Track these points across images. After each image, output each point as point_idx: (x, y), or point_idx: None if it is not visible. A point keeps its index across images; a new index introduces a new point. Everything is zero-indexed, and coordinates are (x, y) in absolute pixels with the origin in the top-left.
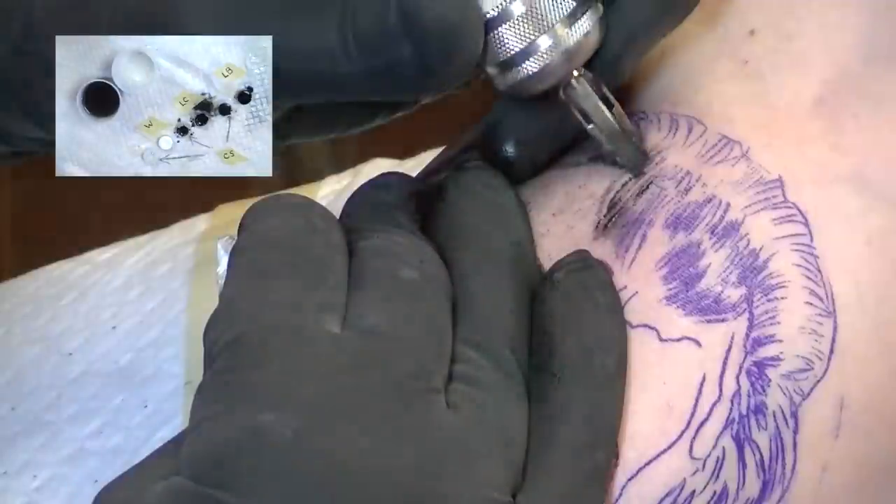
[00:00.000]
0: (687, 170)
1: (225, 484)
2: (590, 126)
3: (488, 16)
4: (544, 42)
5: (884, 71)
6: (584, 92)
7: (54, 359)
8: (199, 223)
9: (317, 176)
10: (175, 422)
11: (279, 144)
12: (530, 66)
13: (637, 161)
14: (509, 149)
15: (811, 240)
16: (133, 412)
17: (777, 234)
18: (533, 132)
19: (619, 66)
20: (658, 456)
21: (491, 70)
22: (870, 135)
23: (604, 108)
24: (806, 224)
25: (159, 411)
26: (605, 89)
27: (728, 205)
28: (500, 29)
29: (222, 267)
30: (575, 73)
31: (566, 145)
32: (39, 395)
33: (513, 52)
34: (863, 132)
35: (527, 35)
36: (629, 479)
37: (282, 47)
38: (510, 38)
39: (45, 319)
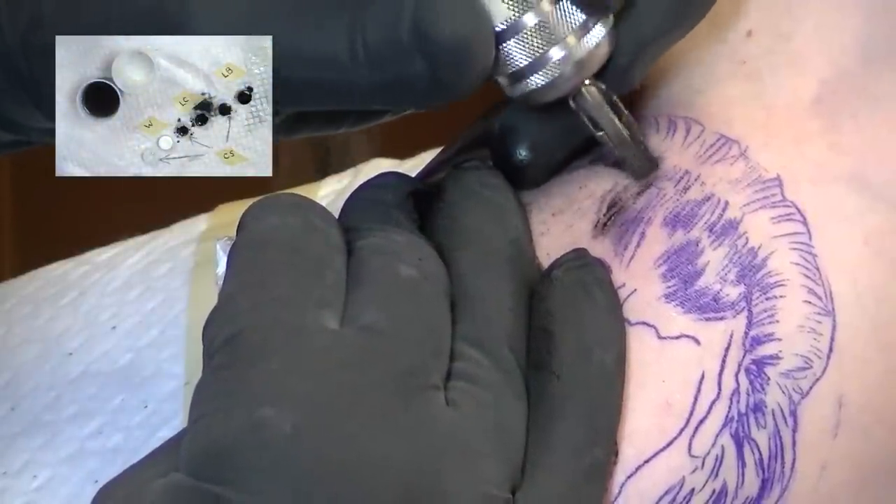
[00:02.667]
0: (685, 169)
1: (224, 479)
2: (599, 133)
3: (499, 28)
4: (555, 54)
5: (882, 70)
6: (594, 101)
7: (54, 359)
8: (199, 223)
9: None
10: (175, 422)
11: (287, 139)
12: (541, 78)
13: (645, 168)
14: (523, 152)
15: (810, 238)
16: (133, 412)
17: (775, 232)
18: (547, 136)
19: (629, 76)
20: (657, 454)
21: (502, 80)
22: (868, 134)
23: (613, 116)
24: (804, 223)
25: (159, 411)
26: (614, 97)
27: (727, 203)
28: (511, 41)
29: (221, 268)
30: (585, 82)
31: (580, 149)
32: (39, 395)
33: (523, 64)
34: (861, 131)
35: (538, 47)
36: (628, 477)
37: (290, 55)
38: (521, 51)
39: (44, 319)
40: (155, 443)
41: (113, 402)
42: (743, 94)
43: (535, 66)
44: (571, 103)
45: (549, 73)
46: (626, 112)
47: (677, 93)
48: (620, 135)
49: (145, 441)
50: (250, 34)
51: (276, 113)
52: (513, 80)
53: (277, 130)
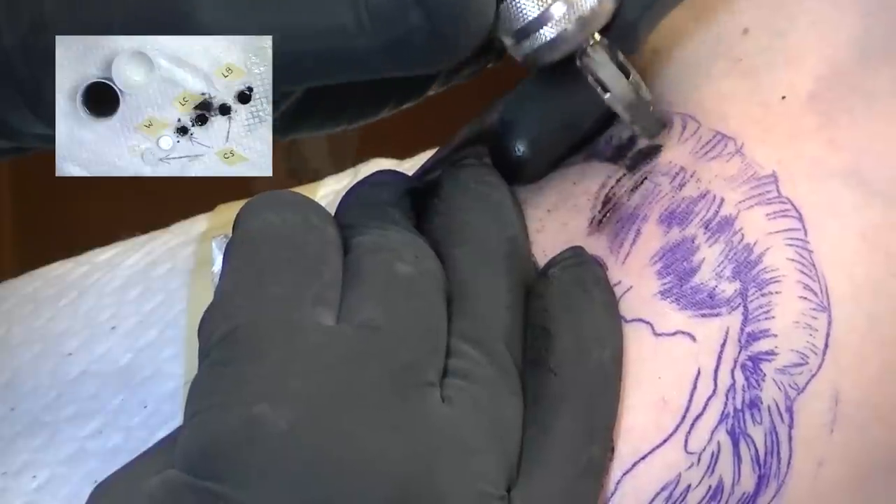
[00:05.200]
0: (681, 166)
1: (220, 475)
2: (606, 95)
3: None
4: (558, 9)
5: (878, 66)
6: (600, 59)
7: (54, 359)
8: (199, 223)
9: (316, 176)
10: (174, 422)
11: (286, 138)
12: (545, 34)
13: (655, 129)
14: (521, 147)
15: (805, 234)
16: (133, 412)
17: (771, 228)
18: (545, 131)
19: (636, 32)
20: (653, 450)
21: (506, 39)
22: (864, 130)
23: (621, 75)
24: (800, 219)
25: (159, 412)
26: (621, 57)
27: (722, 200)
28: None
29: (217, 265)
30: (591, 40)
31: (578, 144)
32: (39, 395)
33: (527, 20)
34: (857, 127)
35: (541, 2)
36: (624, 474)
37: (297, 30)
38: (524, 6)
39: (44, 319)
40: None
41: (113, 403)
42: (739, 91)
43: (539, 21)
44: (577, 63)
45: (554, 28)
46: (633, 71)
47: (673, 89)
48: (628, 95)
49: (145, 441)
50: (255, 13)
51: (276, 106)
52: (517, 39)
53: (275, 130)
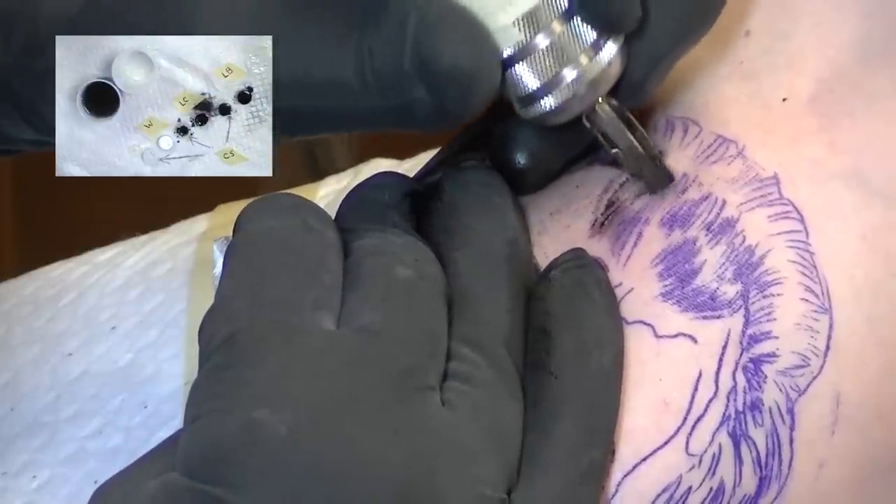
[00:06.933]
0: (683, 170)
1: (219, 479)
2: (614, 150)
3: (509, 52)
4: (568, 74)
5: (878, 69)
6: (607, 118)
7: (54, 359)
8: (199, 223)
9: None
10: (175, 422)
11: (284, 142)
12: (554, 100)
13: (662, 182)
14: (522, 160)
15: (807, 236)
16: (133, 412)
17: (772, 230)
18: (546, 144)
19: (643, 90)
20: (654, 452)
21: (514, 103)
22: (865, 132)
23: (628, 132)
24: (801, 221)
25: (159, 412)
26: (627, 113)
27: (724, 202)
28: (521, 63)
29: (218, 268)
30: (599, 100)
31: (578, 156)
32: (39, 395)
33: (536, 87)
34: (858, 129)
35: (550, 69)
36: (625, 476)
37: (300, 83)
38: (533, 73)
39: (44, 320)
40: (154, 443)
41: (113, 403)
42: (740, 94)
43: (548, 87)
44: (585, 122)
45: (563, 94)
46: (639, 128)
47: (675, 93)
48: (635, 150)
49: (145, 441)
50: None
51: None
52: (525, 103)
53: (279, 129)
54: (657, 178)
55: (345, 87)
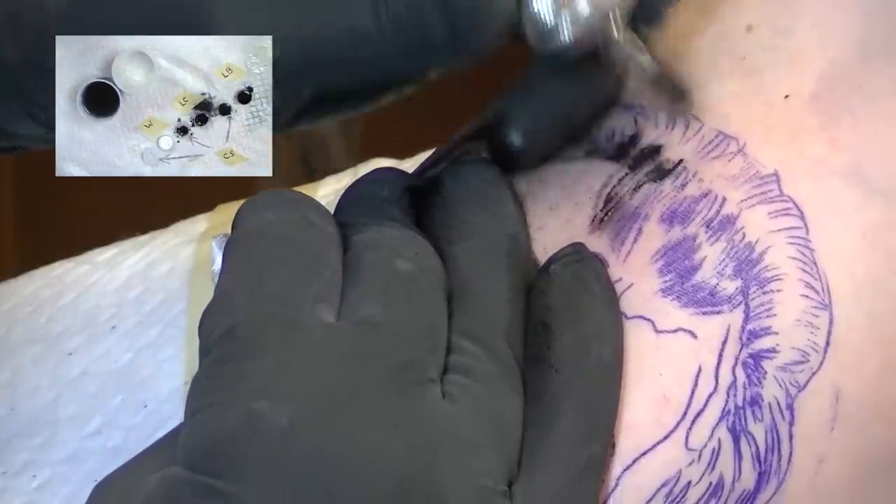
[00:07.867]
0: (683, 165)
1: (219, 472)
2: (630, 77)
3: None
4: (585, 5)
5: (879, 66)
6: (627, 47)
7: (54, 359)
8: (199, 223)
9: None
10: (174, 422)
11: (287, 132)
12: (572, 32)
13: (684, 101)
14: (515, 139)
15: (807, 233)
16: (133, 412)
17: (773, 227)
18: (540, 123)
19: (657, 14)
20: (654, 446)
21: (531, 38)
22: (866, 129)
23: (649, 55)
24: (802, 218)
25: (159, 411)
26: (640, 43)
27: (724, 199)
28: None
29: (217, 264)
30: (615, 30)
31: (572, 136)
32: (39, 395)
33: (553, 21)
34: (859, 127)
35: (560, 4)
36: (625, 470)
37: (319, 36)
38: (550, 7)
39: (44, 319)
40: None
41: (113, 402)
42: (742, 90)
43: (566, 19)
44: (601, 49)
45: (581, 25)
46: (649, 55)
47: None
48: (658, 72)
49: (145, 441)
50: (275, 20)
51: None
52: (544, 39)
53: (289, 121)
54: (679, 99)
55: (362, 33)
